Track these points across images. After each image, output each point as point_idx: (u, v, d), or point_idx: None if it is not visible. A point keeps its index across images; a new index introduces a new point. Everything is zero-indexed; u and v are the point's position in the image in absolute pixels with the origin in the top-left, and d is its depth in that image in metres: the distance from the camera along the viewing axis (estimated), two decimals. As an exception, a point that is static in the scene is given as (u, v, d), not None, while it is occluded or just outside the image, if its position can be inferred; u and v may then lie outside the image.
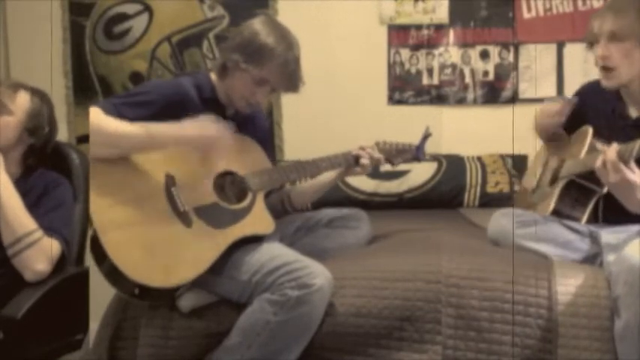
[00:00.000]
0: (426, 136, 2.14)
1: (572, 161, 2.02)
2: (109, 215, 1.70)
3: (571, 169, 1.99)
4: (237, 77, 1.92)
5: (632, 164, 1.72)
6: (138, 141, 1.75)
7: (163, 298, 1.80)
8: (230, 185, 1.93)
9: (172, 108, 1.85)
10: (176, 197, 1.78)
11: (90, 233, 1.73)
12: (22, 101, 1.94)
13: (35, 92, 1.99)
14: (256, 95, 1.95)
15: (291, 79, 1.94)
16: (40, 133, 1.97)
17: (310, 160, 2.05)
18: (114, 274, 1.68)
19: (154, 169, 1.80)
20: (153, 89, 1.88)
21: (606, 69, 1.91)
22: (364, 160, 2.06)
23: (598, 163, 1.77)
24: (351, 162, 2.08)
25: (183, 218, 1.77)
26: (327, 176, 2.12)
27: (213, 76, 1.99)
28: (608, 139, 1.86)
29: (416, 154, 2.15)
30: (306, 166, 2.03)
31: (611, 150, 1.74)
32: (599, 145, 1.87)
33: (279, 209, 2.11)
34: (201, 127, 1.82)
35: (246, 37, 1.90)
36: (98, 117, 1.74)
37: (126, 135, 1.74)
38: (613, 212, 1.87)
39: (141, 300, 1.77)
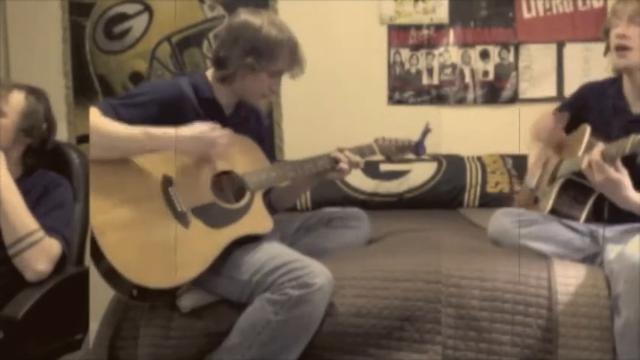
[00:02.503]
0: (426, 132, 2.12)
1: (569, 160, 2.02)
2: (107, 217, 1.70)
3: (568, 168, 2.00)
4: (250, 79, 1.93)
5: (619, 163, 1.76)
6: (137, 143, 1.75)
7: (162, 299, 1.80)
8: (228, 185, 1.92)
9: (170, 108, 1.85)
10: (173, 197, 1.78)
11: (90, 234, 1.72)
12: (16, 102, 1.93)
13: (31, 91, 1.98)
14: (273, 87, 1.98)
15: (301, 62, 1.96)
16: (37, 132, 1.96)
17: (301, 159, 2.02)
18: (112, 276, 1.68)
19: (151, 170, 1.79)
20: (150, 90, 1.89)
21: (621, 48, 1.92)
22: (343, 165, 2.01)
23: (583, 163, 1.81)
24: (333, 164, 2.03)
25: (181, 218, 1.76)
26: (302, 180, 2.08)
27: (209, 76, 1.99)
28: (609, 137, 1.86)
29: (415, 149, 2.13)
30: (304, 164, 2.02)
31: (596, 150, 1.78)
32: (599, 144, 1.89)
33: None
34: (200, 129, 1.82)
35: (251, 37, 1.89)
36: (97, 118, 1.74)
37: (125, 137, 1.74)
38: (619, 212, 1.88)
39: (139, 301, 1.77)
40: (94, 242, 1.68)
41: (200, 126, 1.82)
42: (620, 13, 1.93)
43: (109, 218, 1.70)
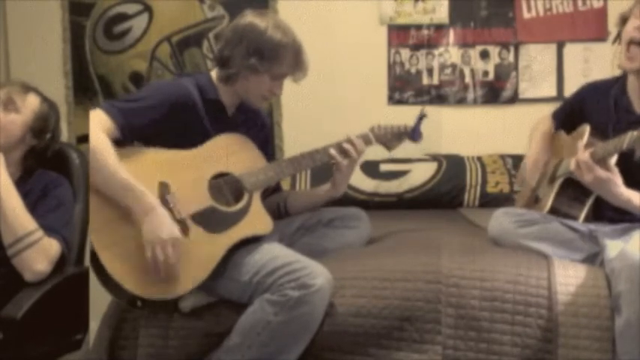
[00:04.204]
0: (421, 117, 2.10)
1: (569, 160, 2.02)
2: (107, 231, 1.70)
3: (568, 168, 1.99)
4: (252, 80, 1.92)
5: (610, 162, 1.79)
6: (116, 189, 1.71)
7: (166, 307, 1.80)
8: (226, 186, 1.91)
9: (177, 110, 1.85)
10: (171, 205, 1.76)
11: (90, 247, 1.72)
12: (32, 102, 1.96)
13: (45, 99, 2.01)
14: (275, 90, 1.97)
15: (304, 66, 1.95)
16: (44, 136, 1.98)
17: (298, 155, 2.02)
18: (115, 289, 1.69)
19: (147, 178, 1.76)
20: (156, 92, 1.87)
21: (636, 42, 1.89)
22: (349, 150, 2.00)
23: (572, 164, 1.83)
24: (330, 159, 2.02)
25: (181, 226, 1.75)
26: (323, 189, 2.10)
27: (213, 77, 1.99)
28: (612, 136, 1.87)
29: (411, 135, 2.12)
30: (301, 160, 2.01)
31: (582, 151, 1.82)
32: (580, 143, 1.90)
33: (275, 212, 2.10)
34: (170, 232, 1.70)
35: (255, 39, 1.89)
36: (100, 137, 1.72)
37: (112, 176, 1.70)
38: (617, 210, 1.88)
39: (144, 309, 1.78)
40: (94, 255, 1.68)
41: (172, 229, 1.70)
42: None
43: (109, 232, 1.70)
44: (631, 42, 1.90)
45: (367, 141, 2.08)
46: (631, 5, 1.95)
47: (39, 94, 2.00)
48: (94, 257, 1.69)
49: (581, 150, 1.84)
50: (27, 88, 1.98)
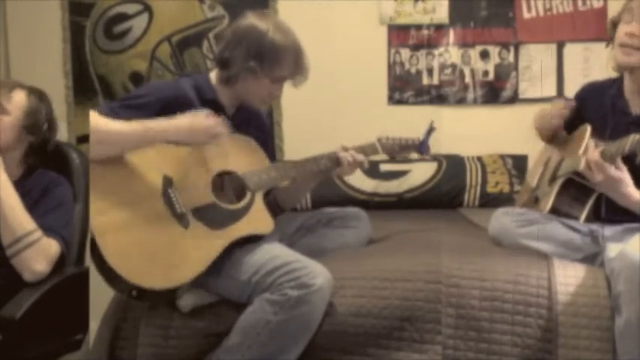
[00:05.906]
0: (430, 131, 2.09)
1: (570, 160, 2.02)
2: (106, 218, 1.70)
3: (569, 168, 2.00)
4: (252, 82, 1.93)
5: (619, 161, 1.78)
6: (134, 136, 1.74)
7: (162, 299, 1.80)
8: (229, 185, 1.92)
9: (171, 110, 1.85)
10: (173, 199, 1.77)
11: (90, 235, 1.73)
12: (19, 100, 1.94)
13: (33, 91, 1.98)
14: (275, 93, 1.97)
15: (304, 70, 1.95)
16: (39, 131, 1.97)
17: (303, 159, 2.02)
18: (111, 276, 1.69)
19: (151, 171, 1.79)
20: (150, 92, 1.89)
21: (628, 47, 1.90)
22: (348, 159, 2.00)
23: (581, 165, 1.82)
24: (336, 164, 2.02)
25: (181, 220, 1.76)
26: (306, 178, 2.08)
27: (212, 77, 1.99)
28: (609, 137, 1.87)
29: (419, 149, 2.12)
30: (305, 163, 2.01)
31: (593, 151, 1.81)
32: (590, 143, 1.90)
33: (270, 209, 2.09)
34: (197, 118, 1.81)
35: (255, 41, 1.89)
36: (96, 118, 1.74)
37: (123, 131, 1.73)
38: (616, 211, 1.88)
39: (139, 300, 1.78)
40: (93, 243, 1.69)
41: (193, 115, 1.81)
42: (636, 11, 1.89)
43: (109, 220, 1.70)
44: (623, 45, 1.91)
45: (374, 151, 2.08)
46: (620, 10, 1.96)
47: (24, 88, 1.97)
48: (94, 246, 1.69)
49: (592, 150, 1.82)
50: (10, 86, 1.95)
